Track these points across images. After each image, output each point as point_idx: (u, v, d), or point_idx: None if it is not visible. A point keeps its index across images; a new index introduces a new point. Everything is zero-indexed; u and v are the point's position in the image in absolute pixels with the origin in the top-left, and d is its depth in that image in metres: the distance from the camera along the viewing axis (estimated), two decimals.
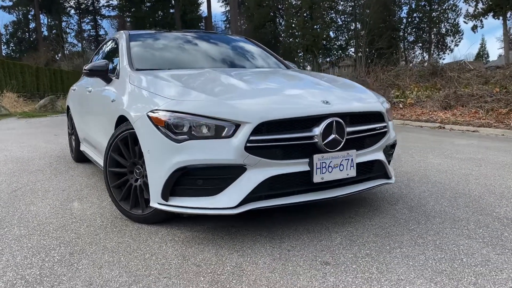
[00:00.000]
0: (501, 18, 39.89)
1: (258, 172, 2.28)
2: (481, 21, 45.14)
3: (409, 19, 55.16)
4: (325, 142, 2.37)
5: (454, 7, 52.46)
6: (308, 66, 54.88)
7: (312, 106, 2.41)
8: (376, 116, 2.67)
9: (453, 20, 53.62)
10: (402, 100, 11.37)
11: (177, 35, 4.00)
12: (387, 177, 2.82)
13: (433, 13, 53.25)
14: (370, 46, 51.09)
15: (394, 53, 55.58)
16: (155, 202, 2.45)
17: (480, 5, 42.53)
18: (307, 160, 2.36)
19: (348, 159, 2.47)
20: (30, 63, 30.73)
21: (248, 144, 2.23)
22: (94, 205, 3.25)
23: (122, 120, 2.87)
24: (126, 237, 2.53)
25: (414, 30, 55.75)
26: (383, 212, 2.85)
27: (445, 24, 53.94)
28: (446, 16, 53.55)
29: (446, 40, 54.53)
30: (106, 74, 3.36)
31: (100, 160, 3.82)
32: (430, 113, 9.18)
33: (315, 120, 2.37)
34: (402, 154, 5.06)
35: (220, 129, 2.28)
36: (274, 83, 2.87)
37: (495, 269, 1.98)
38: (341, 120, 2.41)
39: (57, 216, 2.99)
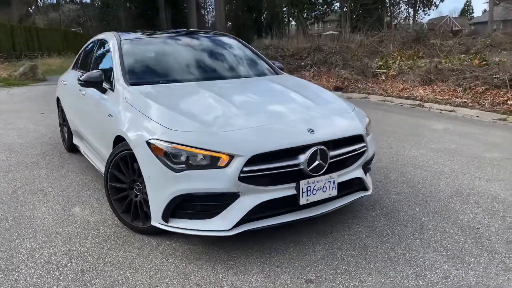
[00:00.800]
0: None
1: (250, 198, 2.54)
2: None
3: None
4: (310, 168, 2.62)
5: None
6: (293, 21, 54.07)
7: (298, 136, 2.65)
8: (357, 138, 2.92)
9: None
10: (384, 71, 11.57)
11: (167, 40, 4.10)
12: (365, 189, 3.10)
13: None
14: (355, 1, 50.35)
15: (379, 8, 54.99)
16: (156, 221, 2.71)
17: None
18: (293, 184, 2.62)
19: (331, 181, 2.74)
20: (3, 20, 29.59)
21: (241, 175, 2.47)
22: (95, 210, 3.49)
23: (120, 137, 3.05)
24: (130, 251, 2.79)
25: None
26: (360, 220, 3.16)
27: None
28: None
29: None
30: (102, 85, 3.49)
31: (95, 160, 4.02)
32: (411, 88, 9.45)
33: (300, 149, 2.61)
34: (381, 143, 5.36)
35: (215, 159, 2.50)
36: (261, 106, 3.06)
37: (453, 286, 2.32)
38: (325, 148, 2.66)
39: (62, 225, 3.22)
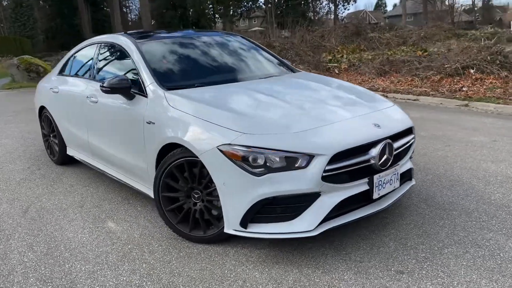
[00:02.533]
0: None
1: (331, 196, 2.55)
2: None
3: None
4: (380, 162, 2.69)
5: None
6: (219, 18, 53.94)
7: (369, 132, 2.70)
8: (409, 130, 3.04)
9: None
10: (336, 65, 11.99)
11: (182, 40, 3.94)
12: (410, 179, 3.24)
13: None
14: None
15: (302, 4, 56.67)
16: (231, 228, 2.63)
17: None
18: (366, 180, 2.67)
19: (395, 173, 2.83)
20: None
21: (324, 174, 2.48)
22: (132, 223, 3.29)
23: (169, 146, 2.91)
24: (202, 262, 2.68)
25: None
26: (406, 209, 3.30)
27: None
28: None
29: None
30: (130, 91, 3.29)
31: (112, 171, 3.80)
32: (370, 80, 9.91)
33: (371, 144, 2.67)
34: None
35: (293, 160, 2.48)
36: (317, 105, 3.06)
37: None
38: (391, 142, 2.74)
39: (105, 243, 3.00)
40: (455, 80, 8.49)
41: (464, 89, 8.08)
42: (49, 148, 5.00)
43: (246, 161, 2.49)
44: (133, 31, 4.13)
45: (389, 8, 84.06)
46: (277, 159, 2.47)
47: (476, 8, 62.61)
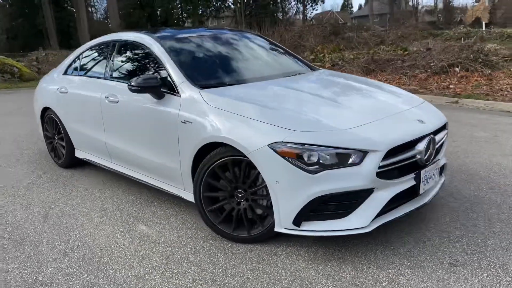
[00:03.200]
0: None
1: (382, 192, 2.57)
2: None
3: None
4: (425, 157, 2.73)
5: None
6: (189, 18, 53.46)
7: (415, 127, 2.73)
8: (444, 126, 3.10)
9: None
10: (320, 64, 12.11)
11: (203, 38, 3.86)
12: (441, 174, 3.30)
13: None
14: None
15: (271, 4, 56.90)
16: (282, 227, 2.61)
17: None
18: (413, 175, 2.70)
19: (437, 168, 2.89)
20: None
21: (378, 170, 2.49)
22: (165, 225, 3.21)
23: (209, 145, 2.85)
24: (253, 262, 2.64)
25: None
26: (436, 202, 3.36)
27: None
28: None
29: None
30: (160, 90, 3.20)
31: (134, 173, 3.70)
32: None
33: (417, 140, 2.70)
34: None
35: (346, 157, 2.48)
36: (355, 101, 3.08)
37: None
38: (435, 137, 2.79)
39: (144, 246, 2.92)
40: (441, 78, 8.74)
41: (451, 86, 8.32)
42: (54, 151, 4.80)
43: (301, 158, 2.47)
44: (150, 29, 4.02)
45: (355, 9, 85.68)
46: (330, 156, 2.46)
47: (437, 9, 64.72)
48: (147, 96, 3.28)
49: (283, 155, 2.50)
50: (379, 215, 2.60)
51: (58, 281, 2.55)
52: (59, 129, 4.58)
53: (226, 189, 2.84)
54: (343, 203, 2.53)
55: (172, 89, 3.20)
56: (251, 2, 53.03)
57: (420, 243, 2.77)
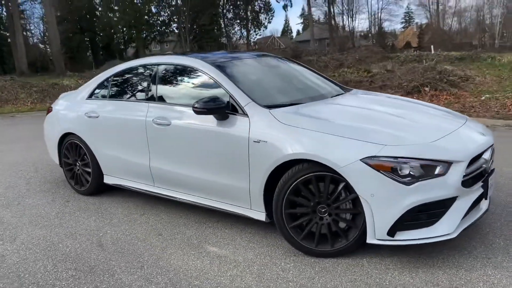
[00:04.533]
0: None
1: (463, 200, 2.78)
2: (290, 1, 49.58)
3: None
4: (490, 166, 3.00)
5: None
6: (133, 43, 52.78)
7: (480, 140, 3.00)
8: None
9: None
10: None
11: (243, 61, 3.96)
12: None
13: None
14: (193, 22, 51.80)
15: (216, 29, 57.63)
16: (375, 238, 2.73)
17: None
18: (481, 183, 2.95)
19: (494, 176, 3.16)
20: None
21: (463, 179, 2.71)
22: (236, 246, 3.22)
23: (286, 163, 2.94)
24: (347, 275, 2.73)
25: (231, 7, 58.43)
26: None
27: (258, 2, 58.04)
28: None
29: (260, 18, 58.99)
30: (225, 111, 3.26)
31: (186, 196, 3.67)
32: None
33: (483, 151, 2.97)
34: None
35: (433, 168, 2.68)
36: (416, 117, 3.30)
37: None
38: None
39: (227, 267, 2.91)
40: (414, 97, 9.36)
41: None
42: (75, 178, 4.60)
43: (395, 171, 2.63)
44: (191, 52, 4.05)
45: (294, 34, 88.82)
46: (420, 168, 2.64)
47: (370, 34, 68.79)
48: (209, 117, 3.32)
49: (377, 168, 2.64)
50: None
51: None
52: (83, 155, 4.42)
53: (309, 205, 2.93)
54: (432, 211, 2.71)
55: (235, 110, 3.26)
56: (195, 27, 53.37)
57: (488, 245, 3.00)
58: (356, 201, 2.79)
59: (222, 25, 59.05)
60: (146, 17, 50.47)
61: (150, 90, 3.89)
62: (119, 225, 3.74)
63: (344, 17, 59.88)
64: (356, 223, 2.85)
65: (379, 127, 2.94)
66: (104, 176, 4.34)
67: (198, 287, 2.69)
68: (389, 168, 2.63)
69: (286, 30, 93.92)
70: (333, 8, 48.88)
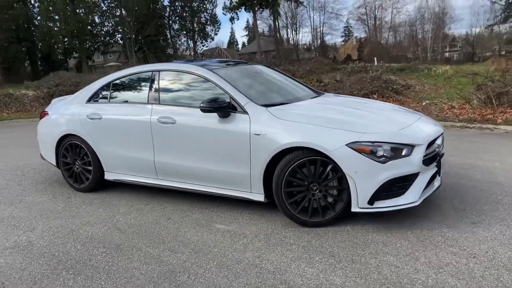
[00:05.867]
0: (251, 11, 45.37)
1: (423, 175, 3.55)
2: (237, 13, 50.69)
3: (172, 8, 57.52)
4: (441, 150, 3.81)
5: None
6: (76, 53, 51.39)
7: (435, 129, 3.81)
8: None
9: (211, 10, 58.88)
10: None
11: (234, 67, 4.58)
12: None
13: (194, 3, 56.92)
14: (138, 33, 51.42)
15: (162, 40, 57.46)
16: (358, 207, 3.43)
17: None
18: (435, 163, 3.74)
19: (443, 158, 3.98)
20: None
21: (423, 159, 3.48)
22: (240, 223, 3.79)
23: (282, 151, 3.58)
24: (342, 238, 3.40)
25: (178, 18, 58.65)
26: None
27: (205, 14, 58.69)
28: (204, 6, 58.15)
29: (206, 29, 59.65)
30: (228, 110, 3.85)
31: (187, 185, 4.20)
32: None
33: (438, 137, 3.77)
34: None
35: (400, 151, 3.43)
36: (381, 112, 4.06)
37: None
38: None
39: (239, 237, 3.48)
40: None
41: None
42: (73, 177, 4.96)
43: (373, 153, 3.35)
44: (187, 60, 4.59)
45: (239, 46, 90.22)
46: (390, 150, 3.39)
47: (313, 47, 71.61)
48: (211, 115, 3.89)
49: (359, 151, 3.35)
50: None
51: (193, 272, 3.02)
52: (84, 154, 4.81)
53: (303, 184, 3.58)
54: (401, 184, 3.44)
55: (234, 109, 3.86)
56: (140, 38, 52.97)
57: (442, 213, 3.80)
58: (341, 179, 3.48)
59: (168, 36, 59.10)
60: (89, 27, 49.37)
61: (153, 93, 4.38)
62: (128, 213, 4.18)
63: (288, 30, 61.84)
64: (342, 197, 3.53)
65: (356, 119, 3.67)
66: (105, 173, 4.76)
67: (218, 253, 3.24)
68: (368, 150, 3.35)
69: (232, 42, 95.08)
70: (278, 21, 50.39)
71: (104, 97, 4.78)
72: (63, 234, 3.75)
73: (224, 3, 56.34)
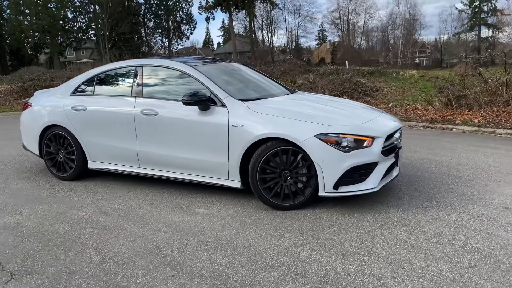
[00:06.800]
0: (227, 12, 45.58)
1: (382, 165, 3.96)
2: (213, 13, 50.84)
3: (147, 6, 57.19)
4: (399, 143, 4.25)
5: None
6: (47, 49, 50.42)
7: (393, 124, 4.24)
8: None
9: (187, 9, 58.78)
10: None
11: (213, 64, 4.93)
12: None
13: (169, 2, 56.74)
14: (112, 30, 50.91)
15: (136, 38, 57.02)
16: (325, 192, 3.83)
17: None
18: (393, 154, 4.17)
19: (402, 151, 4.43)
20: None
21: (382, 150, 3.91)
22: (218, 208, 4.12)
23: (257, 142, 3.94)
24: (310, 219, 3.79)
25: (153, 17, 58.34)
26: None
27: (181, 13, 58.57)
28: (180, 5, 58.04)
29: (182, 28, 59.57)
30: (208, 103, 4.18)
31: (166, 173, 4.51)
32: None
33: (395, 131, 4.21)
34: None
35: (362, 142, 3.84)
36: (349, 108, 4.48)
37: None
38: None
39: (216, 219, 3.82)
40: None
41: None
42: (56, 166, 5.18)
43: (338, 144, 3.75)
44: (167, 56, 4.89)
45: (215, 46, 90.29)
46: (353, 141, 3.80)
47: (288, 50, 72.53)
48: (192, 108, 4.21)
49: (326, 141, 3.75)
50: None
51: (175, 247, 3.34)
52: (67, 144, 5.04)
53: (276, 171, 3.95)
54: (362, 171, 3.85)
55: (213, 102, 4.20)
56: (113, 35, 52.45)
57: (398, 199, 4.24)
58: (309, 167, 3.86)
59: (143, 34, 58.74)
60: (61, 22, 48.53)
61: (137, 87, 4.67)
62: (112, 199, 4.45)
63: (264, 32, 62.41)
64: (310, 183, 3.92)
65: (324, 113, 4.08)
66: (89, 162, 5.00)
67: (198, 232, 3.57)
68: (334, 141, 3.75)
69: (208, 41, 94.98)
70: (253, 23, 50.86)
71: (89, 90, 5.03)
72: (50, 216, 3.99)
73: (200, 2, 56.25)
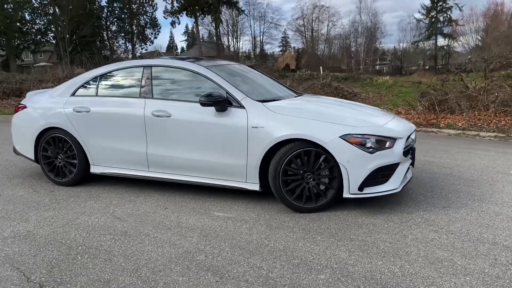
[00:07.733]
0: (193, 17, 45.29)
1: (402, 165, 4.01)
2: (178, 18, 50.43)
3: (110, 9, 56.01)
4: (414, 144, 4.31)
5: (150, 2, 56.62)
6: (2, 51, 48.23)
7: (410, 125, 4.30)
8: None
9: (151, 14, 57.93)
10: None
11: (224, 67, 4.81)
12: None
13: (133, 5, 55.78)
14: (73, 32, 49.45)
15: (98, 41, 55.62)
16: (349, 193, 3.81)
17: (176, 4, 46.76)
18: (410, 155, 4.22)
19: (414, 152, 4.50)
20: None
21: (403, 150, 3.94)
22: (238, 211, 4.02)
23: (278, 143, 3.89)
24: (335, 221, 3.76)
25: (116, 20, 57.15)
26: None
27: (145, 17, 57.67)
28: (144, 9, 57.17)
29: (146, 32, 58.61)
30: (225, 104, 4.08)
31: (178, 177, 4.37)
32: None
33: (412, 132, 4.27)
34: None
35: (384, 143, 3.87)
36: (363, 110, 4.50)
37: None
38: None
39: (240, 223, 3.73)
40: None
41: None
42: (55, 171, 4.90)
43: (363, 144, 3.75)
44: (178, 57, 4.75)
45: (178, 51, 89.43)
46: (376, 141, 3.81)
47: (253, 55, 72.93)
48: (209, 109, 4.10)
49: (351, 142, 3.74)
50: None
51: (209, 252, 3.22)
52: (68, 148, 4.78)
53: (299, 173, 3.90)
54: (385, 172, 3.87)
55: (230, 103, 4.10)
56: (74, 38, 50.97)
57: (413, 199, 4.29)
58: (332, 168, 3.83)
59: (105, 38, 57.39)
60: (18, 23, 46.62)
61: (146, 88, 4.49)
62: (122, 204, 4.25)
63: (229, 37, 62.45)
64: (333, 185, 3.89)
65: (345, 114, 4.07)
66: (91, 166, 4.76)
67: (226, 236, 3.45)
68: (359, 142, 3.74)
69: (172, 46, 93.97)
70: (219, 28, 50.72)
71: (92, 91, 4.80)
72: (61, 223, 3.76)
73: (166, 7, 55.35)
